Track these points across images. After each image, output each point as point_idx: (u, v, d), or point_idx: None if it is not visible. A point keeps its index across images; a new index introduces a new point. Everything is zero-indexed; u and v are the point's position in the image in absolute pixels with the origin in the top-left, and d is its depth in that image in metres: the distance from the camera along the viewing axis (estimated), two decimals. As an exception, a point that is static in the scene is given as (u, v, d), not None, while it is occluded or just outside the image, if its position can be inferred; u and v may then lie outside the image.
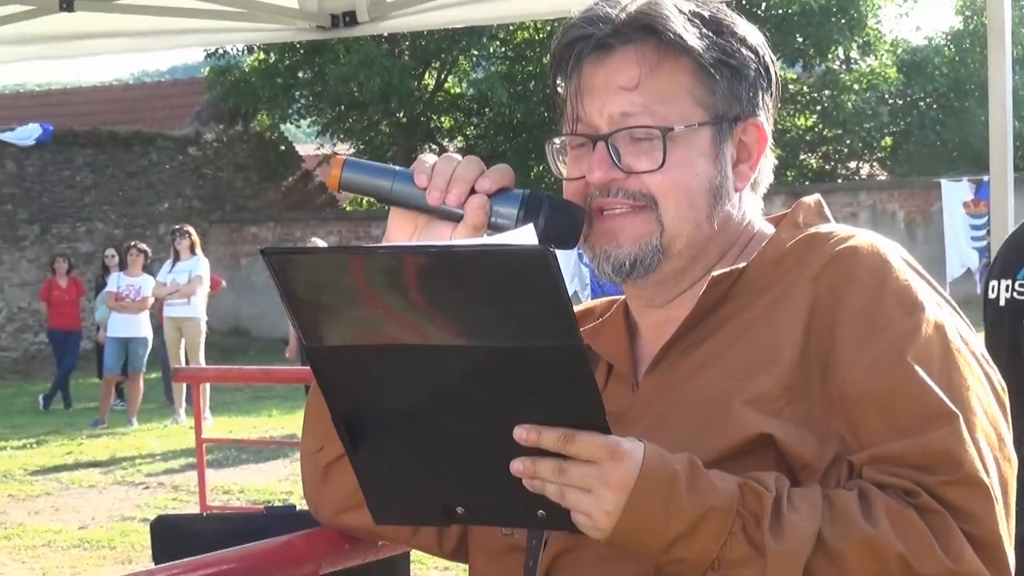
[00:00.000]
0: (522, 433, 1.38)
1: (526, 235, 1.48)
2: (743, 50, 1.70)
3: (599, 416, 1.39)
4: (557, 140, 1.75)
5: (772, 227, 1.75)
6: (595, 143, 1.67)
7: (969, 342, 1.60)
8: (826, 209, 1.76)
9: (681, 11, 1.67)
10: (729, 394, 1.56)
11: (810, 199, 1.77)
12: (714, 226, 1.68)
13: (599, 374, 1.75)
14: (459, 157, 1.71)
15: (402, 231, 1.73)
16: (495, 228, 1.69)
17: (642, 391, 1.68)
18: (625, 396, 1.70)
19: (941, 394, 1.50)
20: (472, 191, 1.67)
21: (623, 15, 1.67)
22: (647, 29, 1.66)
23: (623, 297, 1.80)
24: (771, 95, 1.75)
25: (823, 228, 1.68)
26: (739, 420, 1.54)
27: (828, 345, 1.56)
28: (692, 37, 1.65)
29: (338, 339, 1.43)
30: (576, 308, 1.87)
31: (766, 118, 1.73)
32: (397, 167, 1.73)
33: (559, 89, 1.73)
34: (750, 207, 1.75)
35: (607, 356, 1.75)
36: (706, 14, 1.69)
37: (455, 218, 1.68)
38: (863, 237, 1.64)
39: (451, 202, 1.67)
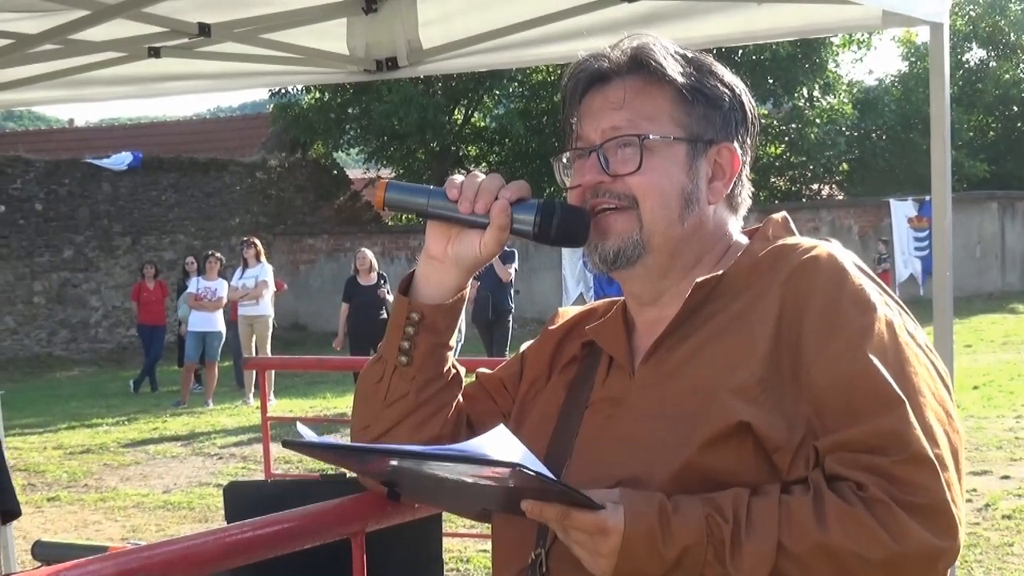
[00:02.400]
0: (527, 506, 1.47)
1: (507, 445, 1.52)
2: (719, 86, 1.70)
3: (586, 499, 1.45)
4: (564, 157, 1.76)
5: (747, 239, 1.74)
6: (590, 153, 1.69)
7: (915, 335, 1.59)
8: (792, 224, 1.74)
9: (668, 50, 1.69)
10: (715, 384, 1.55)
11: (778, 215, 1.76)
12: (685, 226, 1.67)
13: (602, 364, 1.75)
14: (483, 174, 1.72)
15: (438, 241, 1.74)
16: (516, 233, 1.70)
17: (637, 378, 1.67)
18: (624, 383, 1.69)
19: (892, 382, 1.49)
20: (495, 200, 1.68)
21: (618, 52, 1.70)
22: (638, 64, 1.68)
23: (622, 299, 1.79)
24: (746, 129, 1.74)
25: (789, 240, 1.67)
26: (724, 408, 1.52)
27: (796, 341, 1.54)
28: (673, 70, 1.67)
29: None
30: (581, 309, 1.89)
31: (740, 146, 1.72)
32: (431, 186, 1.73)
33: (572, 121, 1.74)
34: (730, 223, 1.74)
35: (608, 349, 1.74)
36: (689, 55, 1.71)
37: (482, 226, 1.69)
38: (823, 248, 1.62)
39: (479, 209, 1.68)
